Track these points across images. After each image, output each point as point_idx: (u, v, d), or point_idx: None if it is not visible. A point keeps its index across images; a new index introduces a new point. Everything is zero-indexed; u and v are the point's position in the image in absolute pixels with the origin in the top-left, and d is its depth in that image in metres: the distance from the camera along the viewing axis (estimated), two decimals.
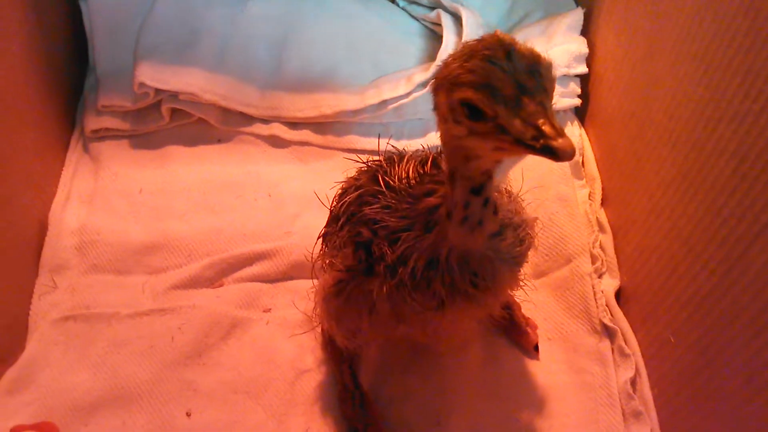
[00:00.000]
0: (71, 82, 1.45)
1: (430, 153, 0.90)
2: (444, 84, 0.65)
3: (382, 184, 0.86)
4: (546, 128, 0.58)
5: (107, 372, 1.09)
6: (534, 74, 0.60)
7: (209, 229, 1.27)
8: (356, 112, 1.41)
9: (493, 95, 0.60)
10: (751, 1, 0.79)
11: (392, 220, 0.81)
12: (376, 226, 0.83)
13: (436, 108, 0.69)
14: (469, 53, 0.62)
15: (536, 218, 0.93)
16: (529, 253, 0.91)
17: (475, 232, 0.75)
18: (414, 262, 0.79)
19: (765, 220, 0.78)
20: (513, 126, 0.60)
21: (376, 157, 0.95)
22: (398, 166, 0.88)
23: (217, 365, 1.11)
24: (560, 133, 0.58)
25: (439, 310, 0.82)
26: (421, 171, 0.86)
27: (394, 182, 0.85)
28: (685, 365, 0.97)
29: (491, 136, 0.62)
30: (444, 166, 0.78)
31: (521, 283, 0.94)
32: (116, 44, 1.44)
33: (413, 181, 0.84)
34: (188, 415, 1.05)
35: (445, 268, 0.79)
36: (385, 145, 0.98)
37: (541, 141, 0.58)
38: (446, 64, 0.66)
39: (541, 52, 0.63)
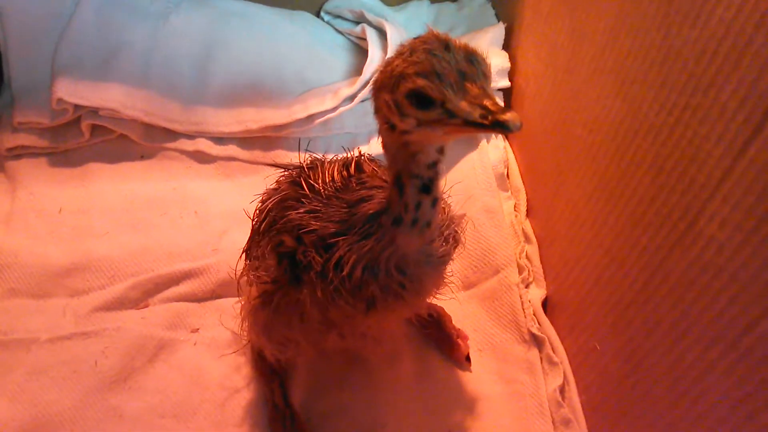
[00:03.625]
0: None
1: (353, 156, 0.90)
2: (387, 82, 0.68)
3: (305, 187, 0.86)
4: (492, 106, 0.62)
5: (27, 401, 1.05)
6: (473, 62, 0.65)
7: (133, 249, 1.23)
8: (283, 127, 1.40)
9: (440, 80, 0.64)
10: (663, 16, 0.82)
11: (319, 225, 0.81)
12: (301, 231, 0.82)
13: (377, 111, 0.71)
14: (410, 50, 0.66)
15: (464, 215, 0.94)
16: (459, 262, 0.91)
17: (424, 233, 0.77)
18: (351, 268, 0.79)
19: (683, 228, 0.81)
20: (461, 108, 0.63)
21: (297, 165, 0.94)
22: (321, 171, 0.88)
23: (144, 389, 1.08)
24: (506, 109, 0.62)
25: (369, 311, 0.83)
26: (345, 174, 0.87)
27: (318, 186, 0.85)
28: (612, 372, 0.99)
29: (440, 122, 0.65)
30: (380, 171, 0.81)
31: (446, 281, 0.94)
32: (32, 59, 1.40)
33: (339, 184, 0.85)
34: None
35: (384, 272, 0.79)
36: (305, 156, 0.97)
37: (490, 117, 0.62)
38: (387, 63, 0.69)
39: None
